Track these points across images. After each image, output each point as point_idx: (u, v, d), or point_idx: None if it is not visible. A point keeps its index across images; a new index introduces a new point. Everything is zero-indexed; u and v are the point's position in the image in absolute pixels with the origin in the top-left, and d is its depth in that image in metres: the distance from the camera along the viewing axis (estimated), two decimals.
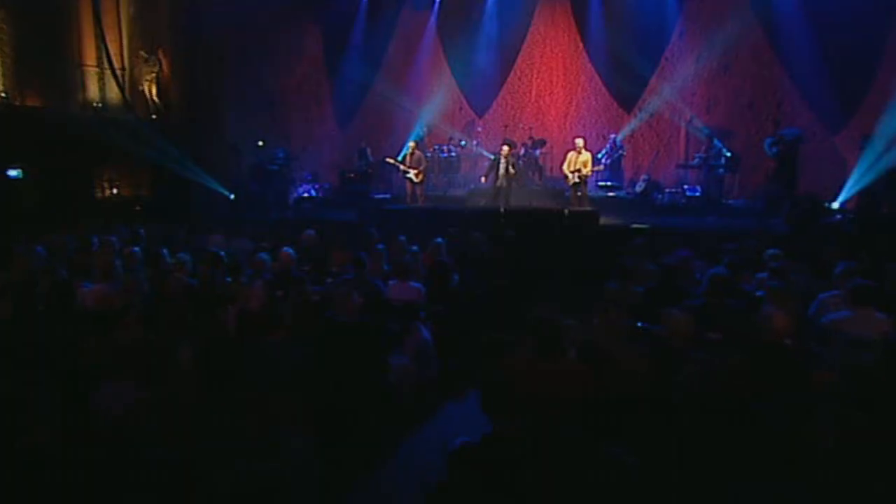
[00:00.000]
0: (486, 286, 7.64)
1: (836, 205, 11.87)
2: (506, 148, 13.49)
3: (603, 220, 11.99)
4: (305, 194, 18.25)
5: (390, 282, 7.26)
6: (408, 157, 14.19)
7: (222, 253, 7.61)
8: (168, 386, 4.10)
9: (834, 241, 9.50)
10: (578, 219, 11.56)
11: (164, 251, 7.74)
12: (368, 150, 17.62)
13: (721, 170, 14.14)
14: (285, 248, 7.80)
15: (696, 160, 14.73)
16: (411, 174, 14.11)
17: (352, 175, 17.63)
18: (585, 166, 12.87)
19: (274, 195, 14.73)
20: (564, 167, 13.04)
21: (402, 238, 8.98)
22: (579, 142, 13.01)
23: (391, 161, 14.55)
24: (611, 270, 8.06)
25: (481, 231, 10.31)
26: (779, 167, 12.63)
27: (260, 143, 18.38)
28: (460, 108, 18.39)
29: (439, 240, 8.91)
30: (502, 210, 12.08)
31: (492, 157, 15.88)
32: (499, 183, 13.38)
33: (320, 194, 18.35)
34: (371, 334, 5.17)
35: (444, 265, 7.27)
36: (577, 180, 12.84)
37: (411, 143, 14.28)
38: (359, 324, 5.14)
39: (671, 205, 14.45)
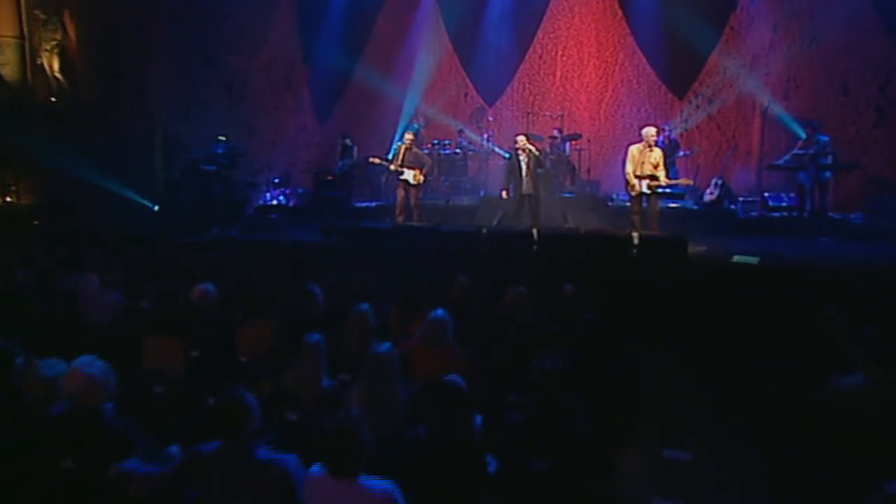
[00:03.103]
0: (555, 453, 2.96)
1: None
2: (521, 139, 8.79)
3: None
4: (275, 201, 13.58)
5: (313, 472, 2.60)
6: (401, 153, 9.50)
7: None
8: None
9: None
10: (654, 249, 6.87)
11: None
12: (355, 149, 12.89)
13: (828, 173, 9.44)
14: (82, 362, 3.10)
15: (788, 158, 10.00)
16: (408, 175, 9.38)
17: (329, 177, 12.93)
18: (657, 168, 8.09)
19: (212, 206, 10.01)
20: (627, 169, 8.26)
21: (365, 308, 4.33)
22: (650, 132, 8.19)
23: (377, 161, 9.89)
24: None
25: (513, 278, 5.65)
26: None
27: (222, 138, 13.73)
28: (466, 95, 13.66)
29: (440, 313, 4.24)
30: (534, 234, 7.40)
31: (507, 155, 11.25)
32: (524, 189, 8.69)
33: (292, 201, 13.65)
34: None
35: (467, 448, 2.60)
36: (646, 190, 8.08)
37: (407, 136, 9.54)
38: None
39: (760, 220, 9.76)
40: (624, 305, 5.55)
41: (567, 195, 10.72)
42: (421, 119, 12.78)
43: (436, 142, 12.05)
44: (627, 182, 8.21)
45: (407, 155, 9.39)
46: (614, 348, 4.15)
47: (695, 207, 10.38)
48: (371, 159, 9.93)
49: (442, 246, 7.65)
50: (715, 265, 6.97)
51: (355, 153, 12.82)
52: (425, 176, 9.46)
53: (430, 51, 13.69)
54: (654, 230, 8.01)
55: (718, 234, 9.30)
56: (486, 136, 12.13)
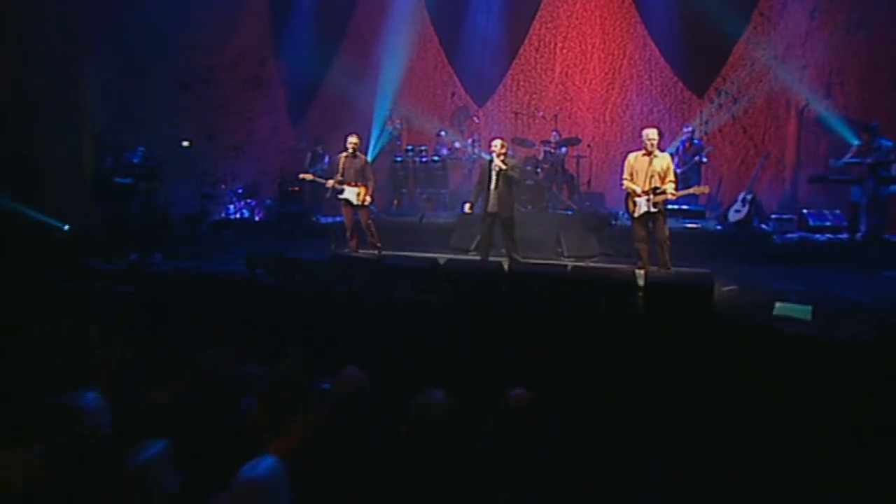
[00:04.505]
0: None
1: None
2: (496, 144, 6.81)
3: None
4: (238, 215, 11.71)
5: None
6: (340, 164, 7.51)
7: None
8: None
9: None
10: (667, 297, 4.78)
11: None
12: (327, 157, 10.90)
13: (894, 187, 7.26)
14: None
15: (838, 165, 7.84)
16: (349, 194, 7.41)
17: (295, 188, 10.99)
18: (664, 180, 6.02)
19: (128, 225, 8.06)
20: (625, 181, 6.23)
21: (157, 453, 2.33)
22: (650, 134, 6.15)
23: (309, 177, 7.94)
24: None
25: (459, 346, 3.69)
26: None
27: (185, 143, 11.92)
28: (453, 94, 11.58)
29: (263, 468, 2.21)
30: (506, 269, 5.36)
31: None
32: (489, 206, 6.70)
33: (259, 214, 11.78)
34: None
35: None
36: (651, 209, 5.99)
37: (350, 140, 7.51)
38: None
39: (801, 245, 7.60)
40: (619, 416, 3.49)
41: (562, 212, 8.64)
42: (397, 122, 10.77)
43: (410, 147, 10.02)
44: (627, 199, 6.15)
45: (349, 165, 7.39)
46: None
47: (718, 228, 8.24)
48: (302, 175, 7.98)
49: (384, 285, 5.64)
50: (750, 321, 4.85)
51: (327, 161, 10.86)
52: (372, 195, 7.47)
53: (413, 43, 11.68)
54: (666, 264, 5.91)
55: (749, 264, 7.20)
56: (471, 140, 10.08)
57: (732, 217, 8.10)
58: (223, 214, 11.70)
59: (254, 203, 11.83)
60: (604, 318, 4.90)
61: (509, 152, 9.43)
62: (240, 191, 11.79)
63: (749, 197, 8.08)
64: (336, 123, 12.15)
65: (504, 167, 6.57)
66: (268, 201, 11.98)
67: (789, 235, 8.03)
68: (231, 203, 11.84)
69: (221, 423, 3.35)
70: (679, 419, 3.90)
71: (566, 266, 5.34)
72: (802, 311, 4.86)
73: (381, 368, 3.61)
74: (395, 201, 10.14)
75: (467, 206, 7.00)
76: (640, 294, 5.04)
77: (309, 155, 10.71)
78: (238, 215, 11.70)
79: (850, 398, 3.72)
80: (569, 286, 5.10)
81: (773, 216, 8.64)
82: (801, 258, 7.35)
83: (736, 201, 8.23)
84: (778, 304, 5.03)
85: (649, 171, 6.11)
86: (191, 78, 11.72)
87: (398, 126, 10.68)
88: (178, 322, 5.33)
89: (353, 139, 7.52)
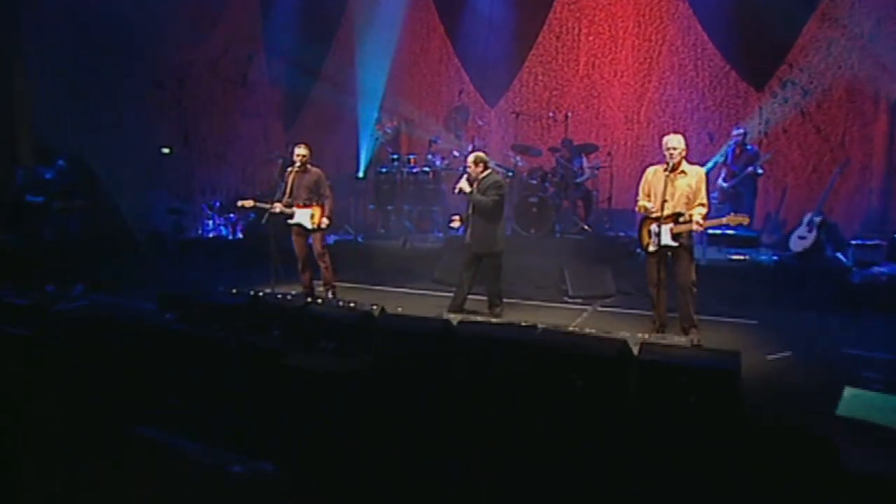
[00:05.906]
0: None
1: None
2: (471, 158, 5.65)
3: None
4: (214, 233, 10.77)
5: None
6: (290, 181, 6.32)
7: None
8: None
9: None
10: (667, 384, 3.33)
11: None
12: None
13: None
14: None
15: None
16: (301, 217, 6.27)
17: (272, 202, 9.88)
18: (690, 203, 4.57)
19: (41, 250, 7.07)
20: (640, 199, 4.86)
21: None
22: (670, 143, 4.65)
23: (248, 203, 6.72)
24: None
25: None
26: None
27: (165, 150, 11.13)
28: (461, 92, 10.23)
29: None
30: (453, 329, 4.03)
31: (510, 172, 7.88)
32: (467, 237, 5.59)
33: (241, 231, 10.77)
34: None
35: None
36: (669, 241, 4.56)
37: (299, 152, 6.28)
38: None
39: (889, 286, 5.91)
40: None
41: (572, 237, 7.20)
42: (389, 125, 9.52)
43: (396, 157, 8.74)
44: (640, 226, 4.78)
45: (299, 182, 6.22)
46: None
47: (774, 259, 6.60)
48: (241, 203, 6.84)
49: (306, 341, 4.42)
50: (797, 420, 3.35)
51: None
52: (329, 216, 6.29)
53: (416, 33, 10.47)
54: (689, 318, 4.42)
55: (816, 310, 5.58)
56: (471, 146, 8.73)
57: (795, 245, 6.44)
58: (199, 231, 10.78)
59: (234, 218, 10.83)
60: (577, 407, 3.51)
61: (518, 162, 8.16)
62: (217, 205, 10.82)
63: (818, 219, 6.41)
64: (331, 127, 11.07)
65: (467, 189, 5.33)
66: (251, 216, 10.96)
67: (875, 270, 6.31)
68: (209, 219, 10.91)
69: None
70: None
71: (535, 327, 3.99)
72: (887, 410, 3.32)
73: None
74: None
75: (456, 220, 5.79)
76: (637, 374, 3.62)
77: (280, 162, 9.57)
78: (215, 233, 10.75)
79: None
80: (534, 358, 3.72)
81: (854, 242, 6.91)
82: (890, 304, 5.68)
83: (801, 224, 6.58)
84: (847, 392, 3.49)
85: (670, 191, 4.64)
86: (165, 75, 10.84)
87: (388, 130, 9.44)
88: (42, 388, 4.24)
89: (300, 150, 6.31)
